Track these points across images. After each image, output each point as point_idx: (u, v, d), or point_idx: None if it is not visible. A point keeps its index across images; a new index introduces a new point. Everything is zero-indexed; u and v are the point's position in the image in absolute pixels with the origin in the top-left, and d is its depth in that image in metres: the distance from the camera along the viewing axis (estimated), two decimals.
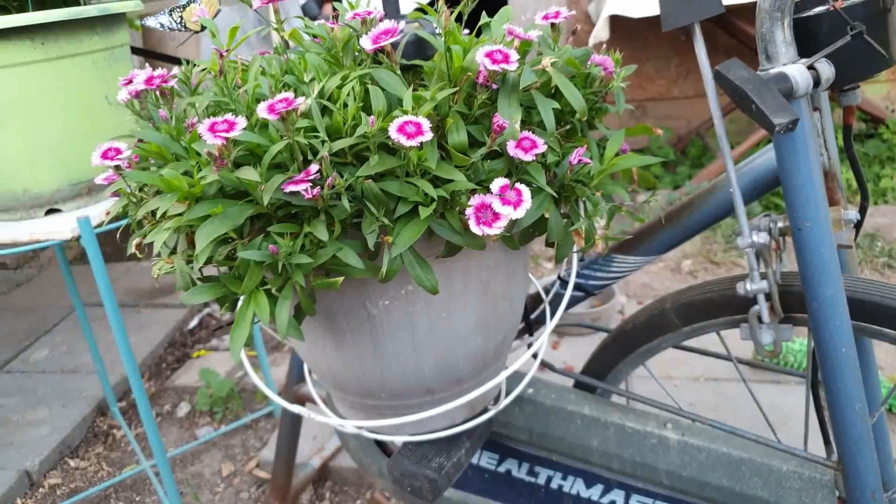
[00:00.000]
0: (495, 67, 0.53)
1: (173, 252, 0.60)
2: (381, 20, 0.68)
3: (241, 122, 0.48)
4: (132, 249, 0.64)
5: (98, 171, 0.63)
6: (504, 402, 0.78)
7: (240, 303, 0.57)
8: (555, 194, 0.58)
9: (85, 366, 1.85)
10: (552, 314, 0.87)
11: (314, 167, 0.52)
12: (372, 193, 0.54)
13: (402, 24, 0.54)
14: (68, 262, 1.51)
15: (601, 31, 2.54)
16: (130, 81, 0.59)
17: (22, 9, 1.12)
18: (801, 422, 1.44)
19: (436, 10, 0.64)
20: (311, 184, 0.51)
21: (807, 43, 0.60)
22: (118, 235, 0.72)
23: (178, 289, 0.58)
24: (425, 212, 0.53)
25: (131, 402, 1.78)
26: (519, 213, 0.54)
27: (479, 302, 0.69)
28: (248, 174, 0.49)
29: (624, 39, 3.01)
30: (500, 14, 0.65)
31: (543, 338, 0.76)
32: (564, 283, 0.85)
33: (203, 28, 0.77)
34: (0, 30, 0.96)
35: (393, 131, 0.50)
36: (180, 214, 0.55)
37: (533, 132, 0.60)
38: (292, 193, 0.51)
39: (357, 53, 0.61)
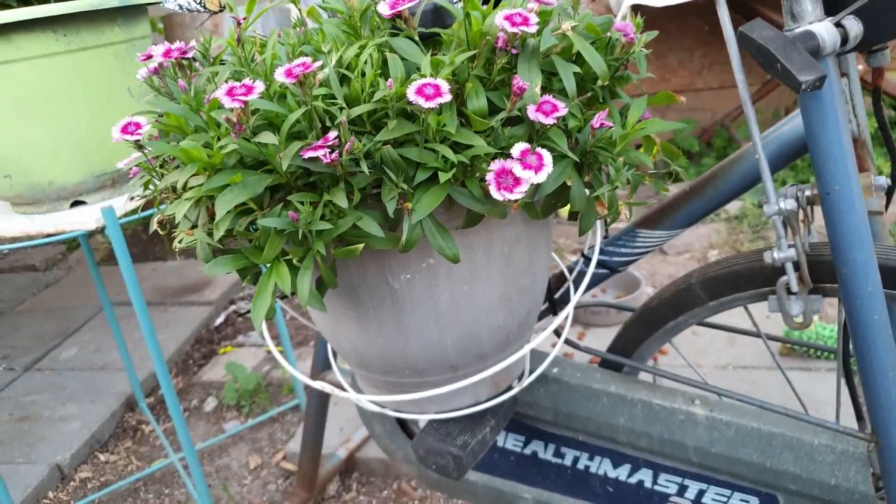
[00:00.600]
0: (515, 30, 0.52)
1: (195, 226, 0.60)
2: None
3: (259, 85, 0.48)
4: (154, 226, 0.65)
5: (122, 159, 0.64)
6: (528, 379, 0.77)
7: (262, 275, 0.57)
8: (577, 159, 0.58)
9: (113, 363, 1.87)
10: (576, 290, 0.86)
11: (332, 134, 0.52)
12: (391, 160, 0.53)
13: None
14: (96, 263, 1.53)
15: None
16: (149, 57, 0.59)
17: (44, 0, 1.14)
18: (833, 408, 1.42)
19: None
20: (329, 150, 0.51)
21: (833, 1, 0.59)
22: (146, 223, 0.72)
23: (199, 259, 0.58)
24: (444, 176, 0.53)
25: (159, 398, 1.79)
26: (540, 178, 0.53)
27: (502, 276, 0.68)
28: (267, 138, 0.49)
29: (646, 30, 2.98)
30: None
31: (568, 312, 0.75)
32: (588, 261, 0.84)
33: (223, 8, 0.77)
34: (23, 21, 0.98)
35: (411, 93, 0.50)
36: (200, 185, 0.55)
37: (553, 98, 0.59)
38: (311, 160, 0.51)
39: (375, 23, 0.61)
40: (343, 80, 0.56)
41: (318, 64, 0.49)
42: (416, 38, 0.55)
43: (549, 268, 0.77)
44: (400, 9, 0.53)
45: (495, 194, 0.53)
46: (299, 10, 0.62)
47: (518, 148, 0.54)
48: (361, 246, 0.54)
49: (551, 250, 0.76)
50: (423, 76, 0.53)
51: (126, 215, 1.12)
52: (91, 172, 1.11)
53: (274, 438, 1.58)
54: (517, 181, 0.53)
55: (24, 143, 1.06)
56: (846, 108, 0.70)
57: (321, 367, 1.19)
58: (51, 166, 1.08)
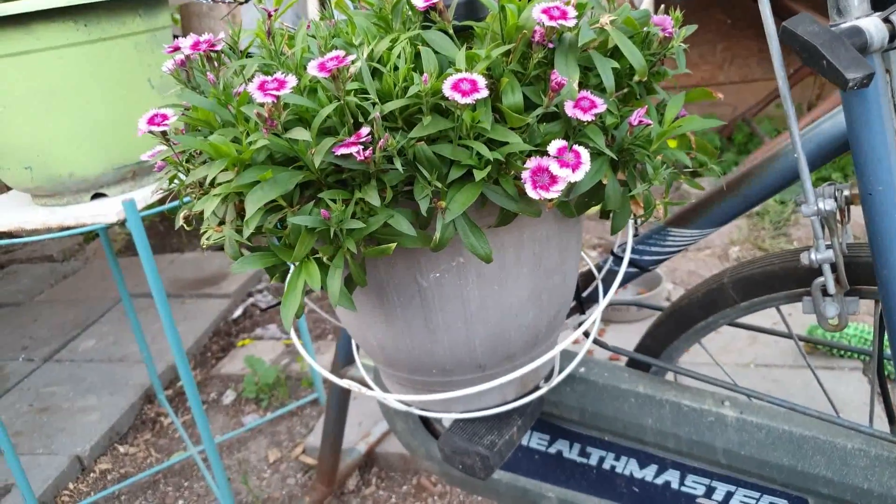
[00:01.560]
0: (553, 24, 0.51)
1: (222, 223, 0.59)
2: None
3: (292, 79, 0.47)
4: (180, 222, 0.64)
5: (143, 151, 0.63)
6: (556, 380, 0.76)
7: (290, 272, 0.56)
8: (614, 157, 0.56)
9: (131, 355, 1.88)
10: (605, 291, 0.85)
11: (365, 130, 0.51)
12: (425, 157, 0.52)
13: None
14: (114, 254, 1.53)
15: None
16: (176, 49, 0.58)
17: None
18: (857, 409, 1.39)
19: None
20: (362, 146, 0.49)
21: None
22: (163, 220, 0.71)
23: (228, 256, 0.57)
24: (480, 174, 0.51)
25: (178, 390, 1.80)
26: (578, 176, 0.52)
27: (532, 275, 0.67)
28: (300, 134, 0.48)
29: None
30: None
31: (597, 314, 0.73)
32: (618, 259, 0.82)
33: (246, 0, 0.76)
34: (43, 10, 0.97)
35: (447, 89, 0.49)
36: (229, 181, 0.54)
37: (591, 94, 0.58)
38: (343, 157, 0.50)
39: (407, 16, 0.60)
40: (374, 73, 0.54)
41: (352, 58, 0.48)
42: (451, 31, 0.54)
43: (578, 266, 0.76)
44: (434, 0, 0.51)
45: (531, 193, 0.52)
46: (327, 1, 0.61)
47: (555, 145, 0.52)
48: (394, 245, 0.53)
49: (581, 248, 0.75)
50: (459, 70, 0.52)
51: (147, 208, 1.11)
52: (112, 164, 1.10)
53: (293, 432, 1.58)
54: (553, 179, 0.52)
55: (45, 135, 1.05)
56: (890, 106, 0.68)
57: (343, 362, 1.18)
58: (71, 158, 1.08)
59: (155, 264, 1.09)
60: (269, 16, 0.56)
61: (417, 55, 0.55)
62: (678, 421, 0.79)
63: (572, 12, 0.52)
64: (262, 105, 0.47)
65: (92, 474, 1.52)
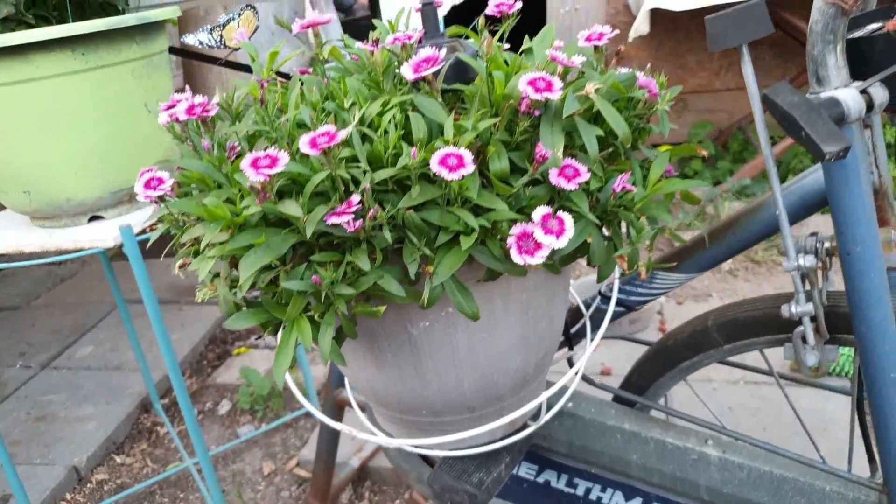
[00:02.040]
0: (538, 97, 0.52)
1: (216, 276, 0.61)
2: (420, 39, 0.68)
3: (284, 157, 0.49)
4: (175, 271, 0.66)
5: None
6: (544, 419, 0.78)
7: (282, 329, 0.58)
8: (597, 222, 0.58)
9: (128, 363, 1.90)
10: (593, 328, 0.87)
11: (356, 198, 0.52)
12: (413, 224, 0.54)
13: (443, 51, 0.54)
14: (109, 260, 1.54)
15: (642, 25, 2.50)
16: (171, 106, 0.60)
17: (62, 19, 1.14)
18: (843, 427, 1.42)
19: (477, 33, 0.64)
20: (353, 216, 0.51)
21: (859, 64, 0.59)
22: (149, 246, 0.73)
23: (223, 313, 0.58)
24: (466, 242, 0.53)
25: (174, 399, 1.82)
26: (561, 243, 0.53)
27: (520, 322, 0.69)
28: (291, 208, 0.50)
29: (665, 31, 2.96)
30: (543, 34, 0.65)
31: (585, 356, 0.75)
32: (606, 299, 0.84)
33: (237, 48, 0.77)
34: (43, 41, 0.98)
35: (434, 164, 0.50)
36: (223, 243, 0.55)
37: (575, 157, 0.59)
38: (334, 225, 0.52)
39: (398, 78, 0.61)
40: (365, 138, 0.56)
41: (343, 134, 0.49)
42: (439, 98, 0.55)
43: (566, 309, 0.78)
44: (423, 74, 0.53)
45: (516, 258, 0.54)
46: (321, 59, 0.62)
47: (539, 212, 0.54)
48: (383, 309, 0.55)
49: (569, 293, 0.77)
50: (447, 142, 0.53)
51: (143, 232, 1.13)
52: (109, 189, 1.12)
53: (287, 444, 1.60)
54: (538, 245, 0.54)
55: (43, 160, 1.07)
56: (868, 159, 0.70)
57: (336, 383, 1.20)
58: (69, 183, 1.09)
59: (150, 283, 1.10)
60: (262, 86, 0.57)
61: (408, 118, 0.57)
62: (662, 458, 0.81)
63: (558, 84, 0.53)
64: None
65: (89, 485, 1.54)
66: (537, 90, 0.53)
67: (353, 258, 0.54)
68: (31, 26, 1.08)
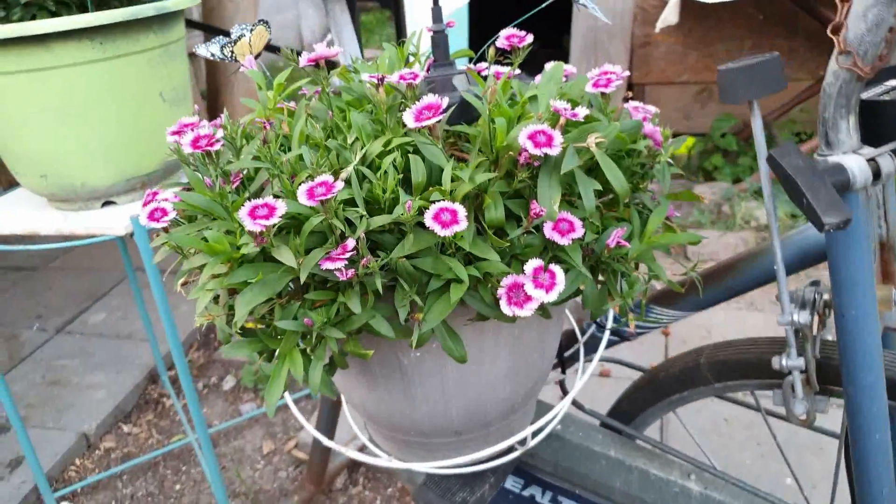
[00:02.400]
0: (537, 152, 0.52)
1: (215, 299, 0.62)
2: (429, 68, 0.67)
3: (281, 207, 0.49)
4: (178, 289, 0.67)
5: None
6: (531, 444, 0.79)
7: (275, 360, 0.59)
8: (589, 275, 0.58)
9: (138, 332, 1.94)
10: (586, 354, 0.87)
11: (350, 243, 0.53)
12: (405, 271, 0.54)
13: (446, 100, 0.54)
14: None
15: (671, 15, 2.46)
16: (178, 133, 0.60)
17: (82, 6, 1.15)
18: (830, 458, 1.42)
19: (483, 76, 0.64)
20: (346, 262, 0.52)
21: (872, 127, 0.58)
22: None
23: (219, 339, 0.60)
24: (456, 293, 0.54)
25: None
26: (551, 297, 0.54)
27: (511, 354, 0.70)
28: (286, 256, 0.51)
29: (695, 18, 2.90)
30: (549, 76, 0.64)
31: (577, 385, 0.76)
32: (601, 327, 0.84)
33: (255, 58, 0.77)
34: (64, 31, 0.99)
35: (429, 219, 0.51)
36: (222, 275, 0.57)
37: (573, 204, 0.59)
38: (329, 269, 0.52)
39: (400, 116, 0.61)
40: (363, 179, 0.57)
41: (339, 186, 0.50)
42: (440, 146, 0.56)
43: (559, 339, 0.78)
44: (424, 124, 0.53)
45: (505, 309, 0.54)
46: (328, 95, 0.62)
47: (531, 265, 0.54)
48: (372, 352, 0.56)
49: (562, 323, 0.77)
50: (444, 194, 0.53)
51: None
52: (122, 176, 1.13)
53: (287, 425, 1.63)
54: (528, 298, 0.54)
55: (59, 147, 1.08)
56: (876, 212, 0.69)
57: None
58: (84, 169, 1.10)
59: (157, 269, 1.12)
60: (264, 127, 0.58)
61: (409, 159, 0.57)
62: (645, 487, 0.82)
63: (558, 139, 0.53)
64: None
65: (97, 452, 1.59)
66: (537, 145, 0.53)
67: (345, 299, 0.55)
68: (51, 13, 1.09)
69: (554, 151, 0.53)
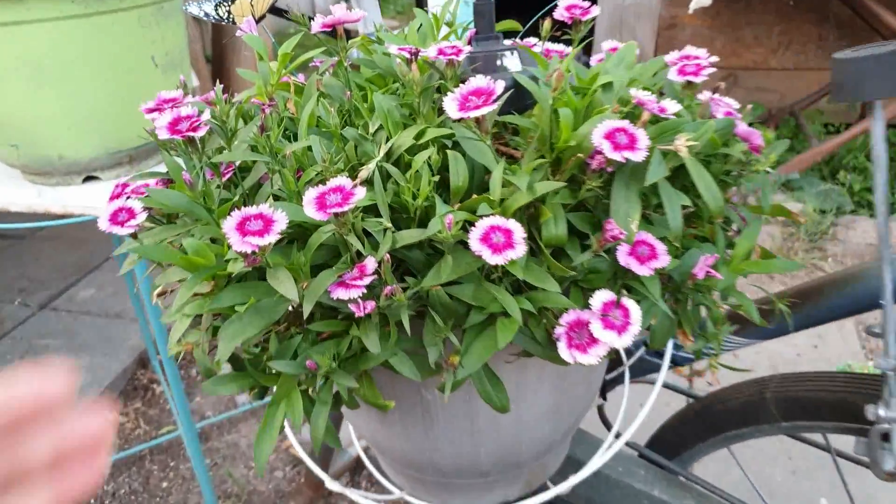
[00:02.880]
0: (616, 156, 0.40)
1: (197, 319, 0.50)
2: (470, 40, 0.55)
3: (281, 220, 0.37)
4: (154, 301, 0.55)
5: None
6: (567, 485, 0.68)
7: (268, 402, 0.48)
8: (670, 313, 0.46)
9: (129, 311, 1.82)
10: (632, 377, 0.76)
11: (371, 263, 0.41)
12: (439, 302, 0.43)
13: (500, 84, 0.41)
14: None
15: None
16: (153, 110, 0.48)
17: None
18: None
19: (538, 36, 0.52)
20: (364, 289, 0.40)
21: None
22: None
23: (199, 370, 0.48)
24: (505, 334, 0.42)
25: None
26: (624, 341, 0.42)
27: (554, 389, 0.58)
28: (285, 285, 0.39)
29: (723, 0, 2.75)
30: (619, 58, 0.52)
31: (631, 429, 0.65)
32: (658, 353, 0.73)
33: (257, 21, 0.65)
34: None
35: (475, 240, 0.39)
36: (204, 297, 0.45)
37: (646, 219, 0.47)
38: (341, 299, 0.41)
39: (437, 98, 0.49)
40: (389, 174, 0.44)
41: (360, 194, 0.38)
42: (488, 142, 0.43)
43: (605, 368, 0.67)
44: (472, 115, 0.41)
45: (565, 354, 0.43)
46: (346, 70, 0.50)
47: (599, 299, 0.43)
48: (392, 404, 0.45)
49: None
50: (493, 206, 0.41)
51: None
52: (106, 149, 1.01)
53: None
54: (594, 340, 0.43)
55: (34, 113, 0.95)
56: None
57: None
58: (61, 139, 0.98)
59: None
60: (263, 111, 0.45)
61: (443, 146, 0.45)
62: None
63: (643, 141, 0.41)
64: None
65: None
66: (616, 147, 0.41)
67: (360, 334, 0.43)
68: None
69: (637, 156, 0.41)
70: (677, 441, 0.78)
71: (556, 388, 0.58)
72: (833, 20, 2.67)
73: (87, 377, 1.60)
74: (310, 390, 0.47)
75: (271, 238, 0.36)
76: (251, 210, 0.37)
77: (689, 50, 0.53)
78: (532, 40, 0.63)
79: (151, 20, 0.99)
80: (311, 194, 0.38)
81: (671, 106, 0.43)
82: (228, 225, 0.37)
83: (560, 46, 0.61)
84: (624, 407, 0.70)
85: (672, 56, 0.52)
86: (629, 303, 0.43)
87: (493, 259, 0.38)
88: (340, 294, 0.40)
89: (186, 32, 1.13)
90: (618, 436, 0.75)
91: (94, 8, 0.92)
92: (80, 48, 0.93)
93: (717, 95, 0.56)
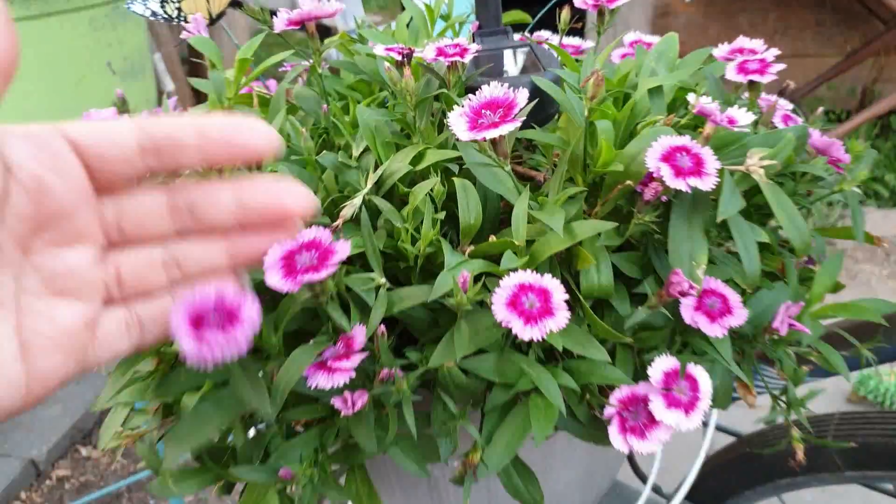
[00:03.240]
0: (678, 183, 0.30)
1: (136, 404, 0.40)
2: (474, 32, 0.45)
3: (251, 311, 0.27)
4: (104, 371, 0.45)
5: None
6: None
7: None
8: (745, 378, 0.37)
9: None
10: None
11: (359, 336, 0.31)
12: (452, 382, 0.32)
13: (523, 93, 0.31)
14: None
15: None
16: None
17: None
18: None
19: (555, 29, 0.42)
20: (352, 374, 0.30)
21: None
22: None
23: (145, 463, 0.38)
24: (543, 424, 0.32)
25: None
26: (692, 423, 0.32)
27: (587, 454, 0.49)
28: (245, 385, 0.29)
29: None
30: (660, 50, 0.42)
31: (680, 495, 0.55)
32: None
33: (213, 21, 0.55)
34: None
35: (501, 308, 0.29)
36: (145, 380, 0.35)
37: (713, 264, 0.38)
38: (321, 388, 0.30)
39: (437, 109, 0.39)
40: (380, 209, 0.34)
41: (345, 250, 0.28)
42: (508, 168, 0.33)
43: None
44: (489, 134, 0.30)
45: (618, 441, 0.33)
46: (321, 78, 0.40)
47: (660, 368, 0.33)
48: None
49: None
50: (517, 251, 0.31)
51: None
52: None
53: None
54: (654, 422, 0.33)
55: None
56: None
57: None
58: None
59: None
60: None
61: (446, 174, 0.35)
62: None
63: (712, 165, 0.31)
64: None
65: (48, 481, 1.37)
66: (678, 173, 0.31)
67: (349, 426, 0.33)
68: None
69: (706, 184, 0.31)
70: (719, 488, 0.68)
71: (588, 452, 0.48)
72: (829, 5, 2.59)
73: (56, 408, 1.49)
74: (288, 489, 0.37)
75: (236, 338, 0.25)
76: (200, 293, 0.26)
77: (743, 41, 0.43)
78: (544, 34, 0.53)
79: (106, 22, 0.89)
80: (273, 255, 0.27)
81: (742, 116, 0.33)
82: (176, 321, 0.26)
83: (575, 40, 0.51)
84: (659, 457, 0.60)
85: (722, 50, 0.43)
86: (698, 371, 0.33)
87: (526, 333, 0.28)
88: (321, 381, 0.30)
89: (147, 35, 1.02)
90: (656, 489, 0.65)
91: (37, 9, 0.81)
92: (24, 53, 0.82)
93: (769, 96, 0.47)
